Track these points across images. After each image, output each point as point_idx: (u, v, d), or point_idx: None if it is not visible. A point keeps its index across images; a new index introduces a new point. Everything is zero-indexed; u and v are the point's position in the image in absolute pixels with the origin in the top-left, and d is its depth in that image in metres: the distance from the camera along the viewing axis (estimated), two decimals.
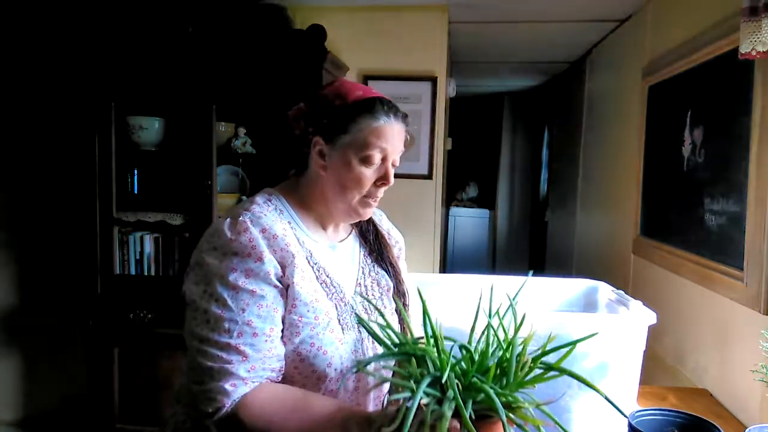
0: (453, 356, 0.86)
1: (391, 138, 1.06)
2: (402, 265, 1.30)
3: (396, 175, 1.11)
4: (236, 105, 2.56)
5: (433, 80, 2.99)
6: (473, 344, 0.90)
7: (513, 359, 0.84)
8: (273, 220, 1.05)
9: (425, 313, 0.91)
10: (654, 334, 1.51)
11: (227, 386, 0.95)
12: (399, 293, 1.20)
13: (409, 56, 3.00)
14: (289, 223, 1.09)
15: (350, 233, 1.21)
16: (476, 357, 0.88)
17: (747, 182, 1.61)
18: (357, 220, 1.16)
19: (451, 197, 6.48)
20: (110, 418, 2.55)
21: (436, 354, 0.85)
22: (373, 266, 1.19)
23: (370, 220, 1.24)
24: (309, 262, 1.06)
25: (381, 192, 1.10)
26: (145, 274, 2.55)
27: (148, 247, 2.55)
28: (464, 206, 6.66)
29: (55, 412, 2.66)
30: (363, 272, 1.17)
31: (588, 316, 1.57)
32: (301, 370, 1.04)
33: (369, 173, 1.06)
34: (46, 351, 2.64)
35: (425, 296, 0.94)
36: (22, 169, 2.53)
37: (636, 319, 1.41)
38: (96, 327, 2.53)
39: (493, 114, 6.51)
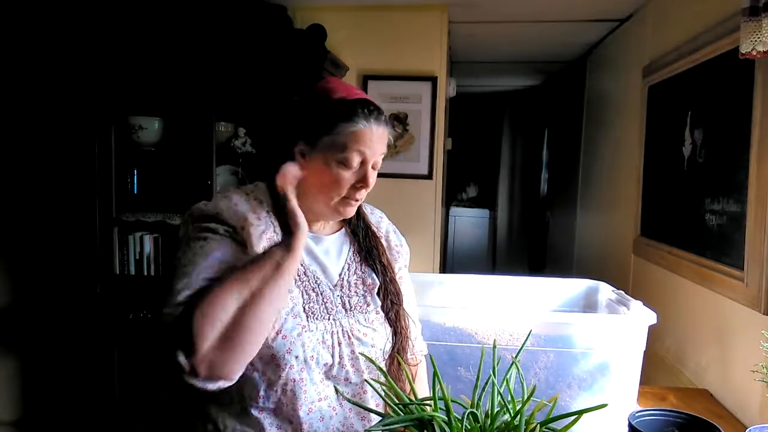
0: (458, 418, 0.87)
1: (371, 142, 1.06)
2: (403, 272, 1.27)
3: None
4: (236, 105, 2.55)
5: (433, 80, 2.99)
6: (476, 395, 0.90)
7: (522, 425, 0.86)
8: (250, 208, 1.07)
9: (436, 375, 0.92)
10: (654, 334, 1.50)
11: (176, 299, 0.94)
12: (388, 293, 1.19)
13: (409, 56, 3.00)
14: (268, 212, 1.09)
15: (340, 229, 1.21)
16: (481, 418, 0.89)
17: (747, 182, 1.61)
18: (340, 218, 1.17)
19: (451, 197, 6.48)
20: (110, 418, 2.55)
21: (444, 419, 0.86)
22: (361, 264, 1.19)
23: (361, 217, 1.24)
24: None
25: (361, 194, 1.10)
26: (145, 274, 2.55)
27: (148, 247, 2.55)
28: (464, 206, 6.66)
29: (55, 412, 2.66)
30: (348, 269, 1.17)
31: (588, 316, 1.57)
32: (261, 355, 1.02)
33: (347, 176, 1.07)
34: (46, 351, 2.64)
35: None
36: (21, 168, 2.53)
37: (636, 319, 1.41)
38: (96, 327, 2.53)
39: (493, 114, 6.51)
